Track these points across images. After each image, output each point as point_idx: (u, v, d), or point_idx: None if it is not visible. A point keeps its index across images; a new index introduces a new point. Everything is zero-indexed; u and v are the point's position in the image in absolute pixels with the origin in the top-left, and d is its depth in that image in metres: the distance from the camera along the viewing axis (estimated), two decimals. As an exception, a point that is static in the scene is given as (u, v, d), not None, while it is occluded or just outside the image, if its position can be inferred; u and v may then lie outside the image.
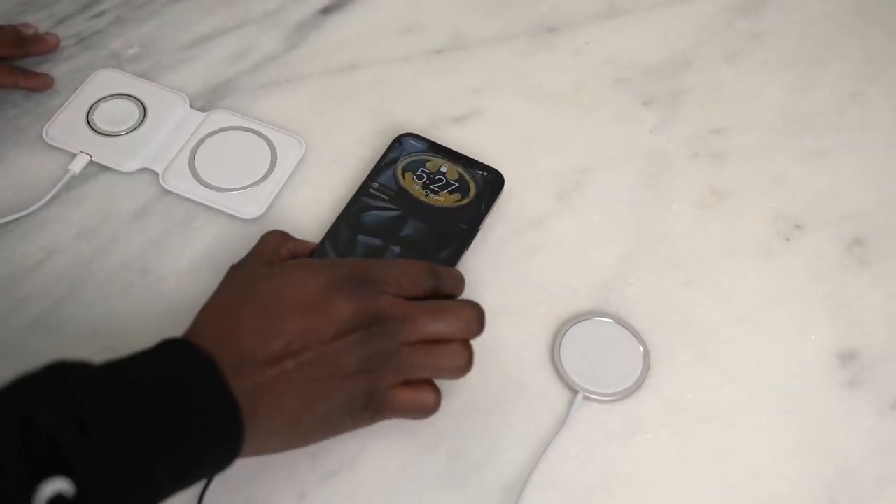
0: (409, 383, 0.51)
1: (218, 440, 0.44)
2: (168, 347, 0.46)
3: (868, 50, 0.77)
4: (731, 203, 0.67)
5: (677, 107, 0.72)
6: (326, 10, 0.76)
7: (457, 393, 0.57)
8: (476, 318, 0.52)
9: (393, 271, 0.51)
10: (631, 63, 0.75)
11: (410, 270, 0.52)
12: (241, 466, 0.52)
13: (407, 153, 0.65)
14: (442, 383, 0.54)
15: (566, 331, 0.59)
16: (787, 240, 0.65)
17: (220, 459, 0.45)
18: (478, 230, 0.62)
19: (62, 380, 0.41)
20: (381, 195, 0.63)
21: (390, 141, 0.66)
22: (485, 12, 0.77)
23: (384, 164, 0.65)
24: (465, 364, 0.51)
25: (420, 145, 0.66)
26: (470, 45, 0.75)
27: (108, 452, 0.39)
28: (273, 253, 0.55)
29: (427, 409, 0.52)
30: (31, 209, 0.63)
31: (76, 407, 0.40)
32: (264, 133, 0.67)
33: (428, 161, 0.65)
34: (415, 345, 0.50)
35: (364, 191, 0.63)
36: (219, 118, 0.68)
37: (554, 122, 0.70)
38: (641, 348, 0.59)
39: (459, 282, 0.55)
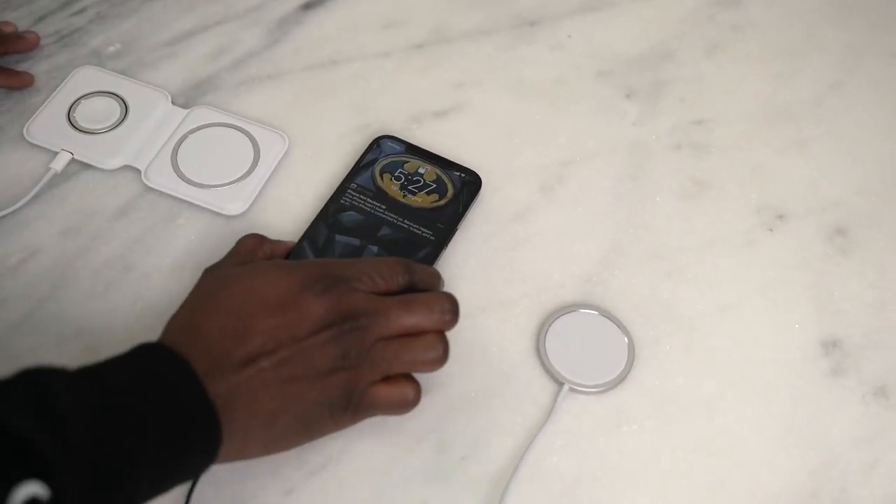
0: (388, 379, 0.51)
1: (195, 442, 0.44)
2: (143, 351, 0.45)
3: (847, 41, 0.77)
4: (713, 194, 0.67)
5: (659, 99, 0.72)
6: (307, 6, 0.76)
7: (442, 387, 0.57)
8: (449, 308, 0.52)
9: (366, 268, 0.51)
10: (613, 56, 0.75)
11: (384, 266, 0.52)
12: (229, 464, 0.53)
13: (385, 155, 0.65)
14: (426, 378, 0.54)
15: (551, 323, 0.59)
16: (770, 230, 0.65)
17: (199, 462, 0.45)
18: (455, 230, 0.62)
19: (35, 384, 0.40)
20: (359, 196, 0.63)
21: (372, 138, 0.66)
22: (466, 6, 0.77)
23: (362, 165, 0.65)
24: (440, 355, 0.51)
25: (398, 147, 0.66)
26: (451, 39, 0.75)
27: (82, 456, 0.39)
28: (249, 255, 0.55)
29: (407, 404, 0.52)
30: (12, 208, 0.63)
31: (50, 411, 0.39)
32: (247, 129, 0.67)
33: (406, 162, 0.65)
34: (389, 339, 0.50)
35: (342, 191, 0.63)
36: (201, 115, 0.68)
37: (536, 115, 0.71)
38: (626, 339, 0.59)
39: (435, 276, 0.55)
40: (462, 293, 0.60)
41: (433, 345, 0.51)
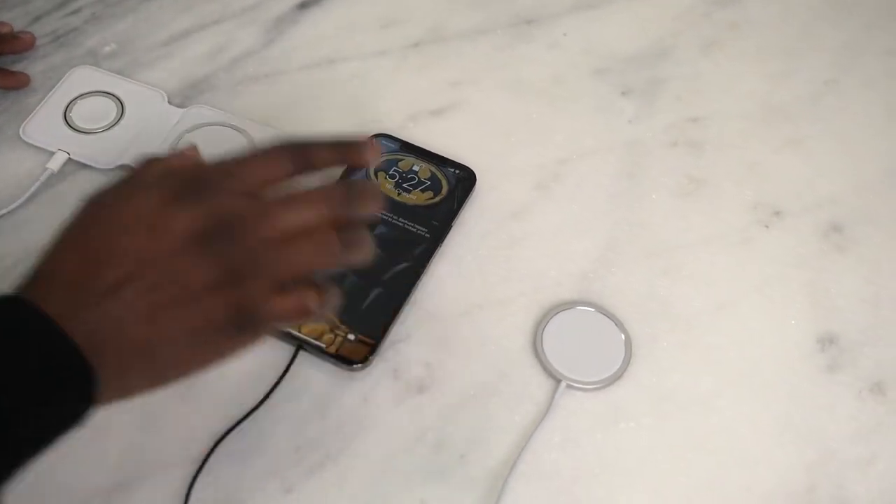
0: (284, 288, 0.44)
1: (65, 388, 0.39)
2: None
3: (843, 39, 0.77)
4: (709, 191, 0.67)
5: (656, 96, 0.72)
6: (304, 5, 0.76)
7: (440, 385, 0.57)
8: (341, 195, 0.45)
9: (241, 162, 0.45)
10: (609, 53, 0.75)
11: (262, 155, 0.45)
12: (226, 459, 0.53)
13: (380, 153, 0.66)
14: (424, 376, 0.55)
15: (548, 320, 0.59)
16: (766, 227, 0.65)
17: (76, 408, 0.40)
18: (450, 227, 0.62)
19: None
20: None
21: (368, 136, 0.66)
22: (462, 5, 0.77)
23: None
24: (333, 251, 0.44)
25: (393, 145, 0.66)
26: (448, 38, 0.75)
27: None
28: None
29: (308, 312, 0.45)
30: (9, 208, 0.63)
31: None
32: (243, 128, 0.67)
33: (400, 160, 0.65)
34: (273, 242, 0.43)
35: None
36: (197, 114, 0.68)
37: (533, 113, 0.71)
38: (623, 336, 0.59)
39: (342, 149, 0.48)
40: (459, 290, 0.60)
41: (324, 240, 0.44)
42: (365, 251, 0.45)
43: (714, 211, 0.66)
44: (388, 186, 0.64)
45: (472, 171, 0.65)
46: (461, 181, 0.65)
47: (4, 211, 0.62)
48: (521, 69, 0.73)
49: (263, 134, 0.67)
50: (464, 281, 0.61)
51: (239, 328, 0.43)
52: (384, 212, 0.62)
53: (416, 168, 0.65)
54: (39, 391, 0.38)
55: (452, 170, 0.65)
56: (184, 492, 0.52)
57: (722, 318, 0.61)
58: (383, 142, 0.66)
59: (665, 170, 0.68)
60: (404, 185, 0.64)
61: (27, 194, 0.63)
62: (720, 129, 0.71)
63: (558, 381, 0.57)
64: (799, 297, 0.62)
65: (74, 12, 0.74)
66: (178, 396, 0.56)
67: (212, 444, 0.54)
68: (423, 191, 0.64)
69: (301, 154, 0.46)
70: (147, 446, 0.54)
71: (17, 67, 0.70)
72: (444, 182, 0.64)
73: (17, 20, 0.73)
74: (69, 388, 0.39)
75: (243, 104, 0.69)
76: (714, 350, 0.59)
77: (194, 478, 0.52)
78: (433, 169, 0.65)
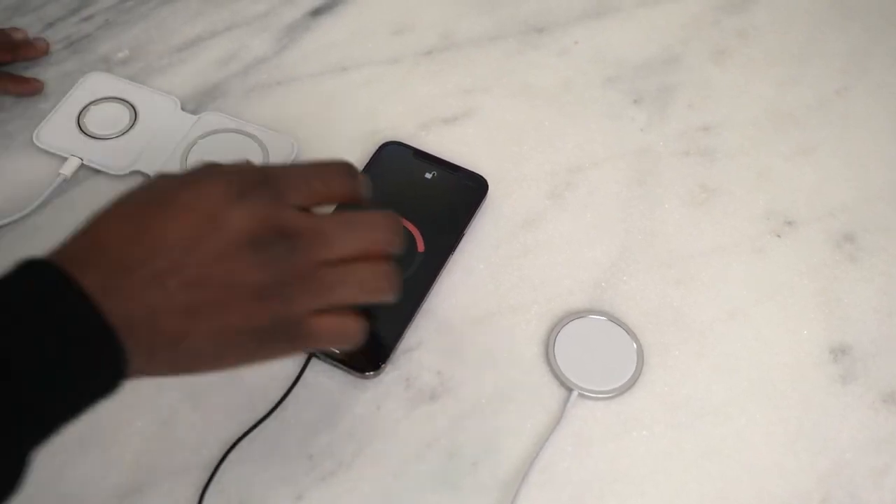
0: (330, 309, 0.44)
1: (94, 367, 0.38)
2: (21, 271, 0.39)
3: (852, 46, 0.77)
4: (721, 200, 0.67)
5: (666, 104, 0.72)
6: (316, 12, 0.76)
7: (452, 393, 0.57)
8: (393, 226, 0.45)
9: (300, 175, 0.44)
10: (620, 61, 0.75)
11: (322, 171, 0.45)
12: (238, 466, 0.53)
13: (391, 161, 0.65)
14: (437, 384, 0.55)
15: (560, 329, 0.59)
16: (778, 236, 0.65)
17: (101, 385, 0.39)
18: (462, 235, 0.62)
19: None
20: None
21: (380, 144, 0.67)
22: (474, 13, 0.77)
23: (369, 171, 0.65)
24: (391, 285, 0.45)
25: (404, 152, 0.66)
26: (460, 45, 0.75)
27: None
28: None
29: (349, 340, 0.45)
30: (22, 213, 0.63)
31: None
32: (256, 135, 0.67)
33: (412, 169, 0.65)
34: (331, 264, 0.43)
35: None
36: (210, 120, 0.68)
37: (545, 121, 0.71)
38: (635, 345, 0.59)
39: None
40: (471, 299, 0.60)
41: (384, 273, 0.45)
42: (399, 289, 0.46)
43: (726, 220, 0.66)
44: None
45: (484, 179, 0.65)
46: (473, 190, 0.65)
47: (18, 216, 0.63)
48: (532, 77, 0.73)
49: (276, 140, 0.67)
50: (476, 289, 0.61)
51: (277, 340, 0.43)
52: None
53: (427, 175, 0.65)
54: (65, 368, 0.37)
55: (464, 178, 0.65)
56: (196, 498, 0.52)
57: (734, 328, 0.61)
58: (395, 149, 0.66)
59: (677, 178, 0.68)
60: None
61: (40, 199, 0.63)
62: (731, 138, 0.71)
63: (570, 390, 0.57)
64: (811, 307, 0.62)
65: (88, 18, 0.75)
66: (190, 403, 0.56)
67: (224, 450, 0.54)
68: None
69: (354, 179, 0.46)
70: (159, 452, 0.54)
71: (31, 73, 0.70)
72: (456, 190, 0.64)
73: (30, 26, 0.73)
74: (97, 368, 0.38)
75: (256, 111, 0.70)
76: (726, 359, 0.59)
77: (206, 484, 0.52)
78: (445, 177, 0.65)
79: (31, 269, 0.38)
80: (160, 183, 0.43)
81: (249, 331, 0.42)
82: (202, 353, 0.42)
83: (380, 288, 0.45)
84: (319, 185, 0.44)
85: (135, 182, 0.64)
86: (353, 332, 0.45)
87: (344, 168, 0.46)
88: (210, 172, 0.43)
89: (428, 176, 0.65)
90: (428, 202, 0.64)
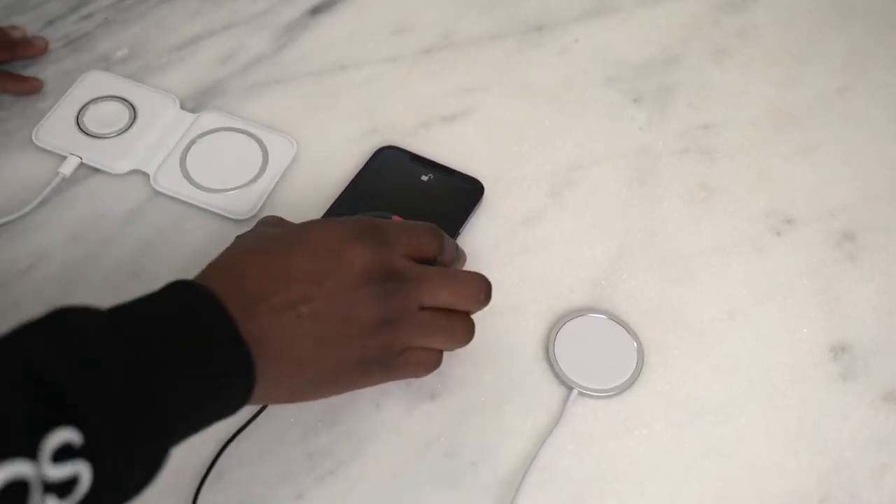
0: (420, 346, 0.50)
1: (229, 385, 0.43)
2: (175, 290, 0.43)
3: (852, 45, 0.77)
4: (721, 199, 0.67)
5: (666, 103, 0.72)
6: (315, 11, 0.76)
7: (452, 391, 0.57)
8: (485, 289, 0.51)
9: (405, 229, 0.50)
10: (620, 60, 0.75)
11: (420, 230, 0.51)
12: (237, 465, 0.53)
13: (388, 163, 0.65)
14: (436, 382, 0.54)
15: (560, 327, 0.59)
16: (779, 234, 0.65)
17: (232, 401, 0.44)
18: (457, 235, 0.62)
19: (66, 326, 0.39)
20: (364, 205, 0.63)
21: (380, 143, 0.67)
22: (474, 12, 0.77)
23: (365, 175, 0.65)
24: (471, 335, 0.51)
25: (401, 156, 0.66)
26: (459, 44, 0.75)
27: (115, 398, 0.37)
28: (275, 224, 0.53)
29: (431, 370, 0.51)
30: (21, 212, 0.63)
31: (83, 354, 0.37)
32: (255, 134, 0.67)
33: (408, 172, 0.65)
34: (432, 310, 0.49)
35: (344, 202, 0.63)
36: (209, 119, 0.68)
37: (545, 119, 0.71)
38: (635, 344, 0.59)
39: (459, 252, 0.55)
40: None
41: (468, 328, 0.51)
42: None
43: (726, 219, 0.66)
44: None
45: (479, 182, 0.65)
46: (468, 193, 0.64)
47: (17, 215, 0.62)
48: (532, 76, 0.73)
49: (275, 139, 0.67)
50: (476, 287, 0.61)
51: (377, 369, 0.48)
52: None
53: (423, 179, 0.65)
54: (206, 386, 0.42)
55: (460, 182, 0.65)
56: (191, 496, 0.52)
57: (734, 326, 0.61)
58: (391, 153, 0.66)
59: (677, 177, 0.68)
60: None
61: (39, 198, 0.63)
62: (731, 137, 0.71)
63: (570, 389, 0.57)
64: (811, 306, 0.62)
65: (87, 17, 0.75)
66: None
67: (219, 448, 0.54)
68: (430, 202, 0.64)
69: (441, 242, 0.52)
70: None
71: (30, 72, 0.70)
72: (451, 194, 0.64)
73: (29, 24, 0.73)
74: (232, 391, 0.43)
75: (255, 109, 0.69)
76: (726, 358, 0.59)
77: (201, 482, 0.52)
78: (441, 181, 0.65)
79: (183, 290, 0.43)
80: (290, 229, 0.50)
81: (362, 361, 0.47)
82: (322, 381, 0.47)
83: (462, 339, 0.51)
84: (416, 241, 0.50)
85: (135, 181, 0.65)
86: (435, 364, 0.51)
87: (433, 231, 0.51)
88: (324, 221, 0.50)
89: (424, 179, 0.65)
90: (424, 205, 0.64)
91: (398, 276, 0.47)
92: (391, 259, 0.48)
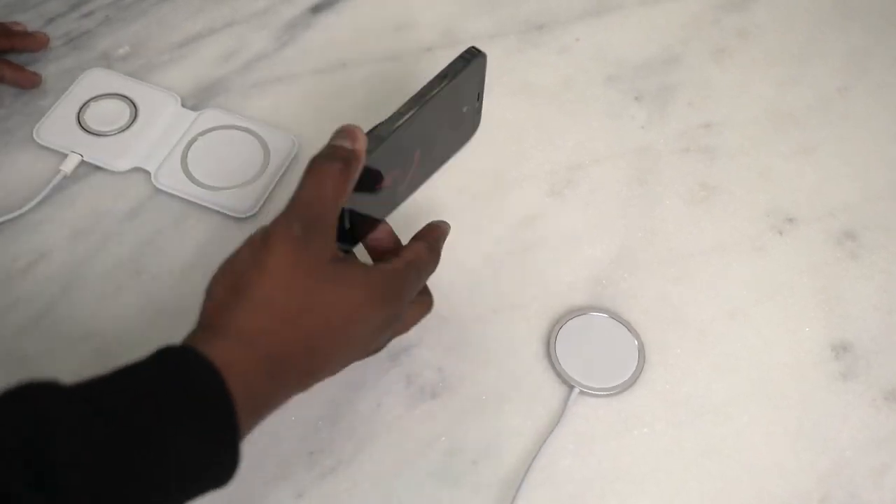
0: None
1: (216, 473, 0.42)
2: (167, 366, 0.41)
3: (852, 45, 0.77)
4: (722, 198, 0.67)
5: (667, 103, 0.72)
6: (316, 9, 0.76)
7: (453, 390, 0.57)
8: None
9: (420, 277, 0.52)
10: (620, 60, 0.75)
11: (424, 265, 0.52)
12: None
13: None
14: (436, 383, 0.54)
15: (561, 326, 0.59)
16: (780, 233, 0.65)
17: (214, 483, 0.42)
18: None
19: (26, 415, 0.36)
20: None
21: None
22: (475, 10, 0.77)
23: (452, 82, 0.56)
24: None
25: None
26: (460, 42, 0.75)
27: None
28: (324, 207, 0.47)
29: (425, 315, 0.55)
30: (22, 210, 0.63)
31: (47, 472, 0.35)
32: (256, 131, 0.67)
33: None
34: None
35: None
36: (211, 117, 0.68)
37: (545, 119, 0.71)
38: (636, 343, 0.59)
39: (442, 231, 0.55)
40: (472, 296, 0.60)
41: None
42: None
43: (727, 218, 0.66)
44: None
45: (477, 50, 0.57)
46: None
47: (18, 213, 0.62)
48: (532, 74, 0.73)
49: (276, 137, 0.67)
50: (477, 286, 0.61)
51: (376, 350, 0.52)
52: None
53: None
54: (192, 480, 0.41)
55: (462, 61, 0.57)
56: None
57: (735, 326, 0.61)
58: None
59: (677, 176, 0.68)
60: None
61: (40, 196, 0.63)
62: (732, 136, 0.71)
63: (571, 388, 0.57)
64: (812, 305, 0.62)
65: (88, 15, 0.74)
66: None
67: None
68: None
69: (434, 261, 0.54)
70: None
71: (31, 69, 0.70)
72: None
73: (31, 22, 0.73)
74: (220, 475, 0.42)
75: (256, 107, 0.69)
76: (727, 357, 0.59)
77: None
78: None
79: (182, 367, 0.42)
80: (340, 296, 0.48)
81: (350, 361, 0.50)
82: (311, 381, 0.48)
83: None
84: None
85: (136, 179, 0.65)
86: (428, 311, 0.55)
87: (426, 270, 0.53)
88: (374, 303, 0.49)
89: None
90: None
91: (392, 337, 0.53)
92: (396, 333, 0.53)
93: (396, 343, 0.58)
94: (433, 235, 0.53)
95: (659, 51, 0.76)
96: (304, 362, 0.45)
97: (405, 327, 0.53)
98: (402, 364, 0.58)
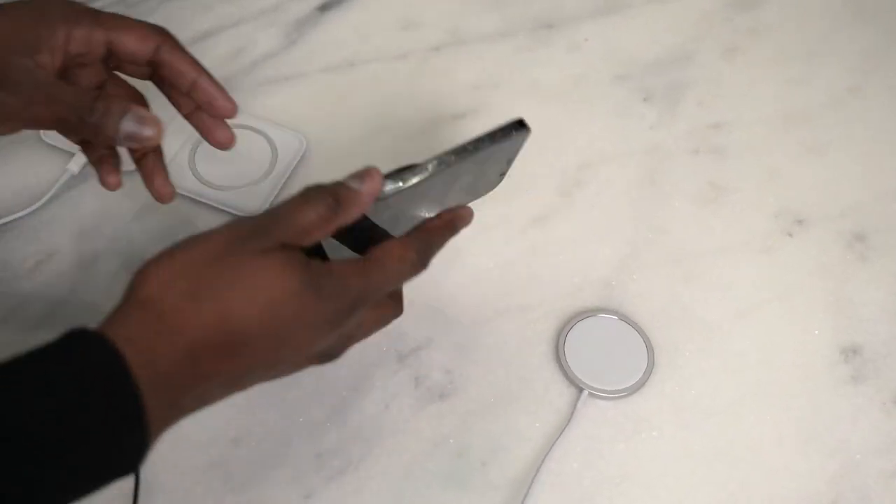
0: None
1: (116, 461, 0.38)
2: (70, 352, 0.38)
3: (864, 45, 0.77)
4: (731, 198, 0.67)
5: (676, 102, 0.72)
6: (324, 8, 0.76)
7: (461, 392, 0.57)
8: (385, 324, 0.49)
9: (384, 279, 0.45)
10: (630, 59, 0.74)
11: (399, 269, 0.46)
12: (247, 465, 0.53)
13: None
14: (445, 381, 0.54)
15: (570, 328, 0.59)
16: (789, 235, 0.65)
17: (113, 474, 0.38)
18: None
19: None
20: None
21: (388, 141, 0.65)
22: (483, 9, 0.77)
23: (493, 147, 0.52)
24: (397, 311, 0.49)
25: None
26: (469, 41, 0.75)
27: None
28: (301, 236, 0.43)
29: (387, 323, 0.49)
30: (29, 209, 0.62)
31: None
32: (264, 130, 0.67)
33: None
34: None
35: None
36: (218, 116, 0.67)
37: (554, 118, 0.70)
38: (646, 345, 0.59)
39: (451, 226, 0.50)
40: (481, 297, 0.60)
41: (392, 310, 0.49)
42: None
43: (736, 218, 0.66)
44: None
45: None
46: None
47: (25, 212, 0.62)
48: (541, 73, 0.73)
49: (284, 136, 0.67)
50: (485, 287, 0.61)
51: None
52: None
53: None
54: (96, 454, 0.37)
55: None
56: (209, 498, 0.52)
57: (745, 327, 0.60)
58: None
59: (687, 176, 0.68)
60: None
61: (47, 195, 0.63)
62: (741, 136, 0.70)
63: (580, 390, 0.56)
64: (822, 307, 0.62)
65: (95, 13, 0.74)
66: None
67: (231, 448, 0.53)
68: None
69: (425, 259, 0.48)
70: (165, 451, 0.54)
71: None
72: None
73: (37, 20, 0.73)
74: (122, 464, 0.38)
75: (263, 106, 0.69)
76: (737, 359, 0.59)
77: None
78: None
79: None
80: (290, 307, 0.43)
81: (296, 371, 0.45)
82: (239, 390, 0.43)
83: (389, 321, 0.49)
84: (395, 282, 0.47)
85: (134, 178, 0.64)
86: (391, 320, 0.49)
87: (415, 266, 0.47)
88: (326, 321, 0.43)
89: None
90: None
91: (348, 338, 0.46)
92: (352, 339, 0.46)
93: (404, 345, 0.58)
94: (430, 236, 0.48)
95: (668, 50, 0.75)
96: (226, 344, 0.39)
97: (364, 333, 0.47)
98: (411, 366, 0.57)
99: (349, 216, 0.44)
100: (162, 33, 0.54)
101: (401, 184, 0.47)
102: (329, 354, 0.46)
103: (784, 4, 0.79)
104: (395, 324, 0.58)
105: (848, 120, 0.72)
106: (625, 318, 0.60)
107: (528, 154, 0.68)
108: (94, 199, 0.64)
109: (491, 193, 0.65)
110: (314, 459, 0.54)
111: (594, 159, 0.68)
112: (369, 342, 0.57)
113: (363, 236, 0.48)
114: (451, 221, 0.50)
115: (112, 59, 0.53)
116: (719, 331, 0.60)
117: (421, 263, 0.46)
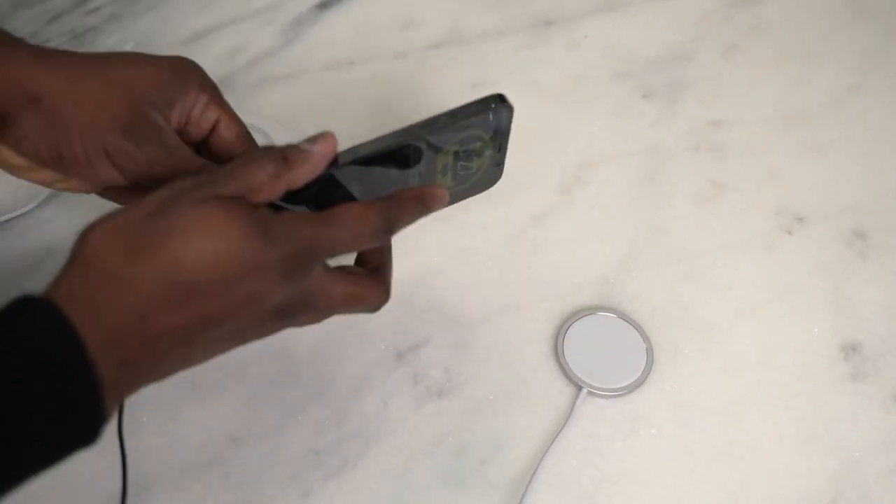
0: (346, 272, 0.45)
1: (71, 431, 0.36)
2: (17, 314, 0.36)
3: (865, 43, 0.77)
4: (731, 196, 0.66)
5: (676, 100, 0.72)
6: (323, 6, 0.76)
7: (460, 390, 0.56)
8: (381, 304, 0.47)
9: (340, 235, 0.43)
10: (630, 56, 0.74)
11: (358, 229, 0.44)
12: (245, 463, 0.53)
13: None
14: (444, 383, 0.54)
15: (569, 326, 0.59)
16: (789, 233, 0.65)
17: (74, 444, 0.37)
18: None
19: None
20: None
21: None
22: (482, 6, 0.77)
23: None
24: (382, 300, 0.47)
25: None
26: (468, 39, 0.75)
27: None
28: (247, 193, 0.41)
29: (370, 308, 0.47)
30: (29, 207, 0.62)
31: None
32: (263, 129, 0.67)
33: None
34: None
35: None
36: (217, 115, 0.67)
37: (554, 116, 0.70)
38: (645, 343, 0.58)
39: (422, 201, 0.47)
40: (480, 295, 0.60)
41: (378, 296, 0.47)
42: None
43: (736, 217, 0.65)
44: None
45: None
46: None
47: (24, 210, 0.62)
48: (541, 71, 0.73)
49: (282, 135, 0.67)
50: (484, 285, 0.61)
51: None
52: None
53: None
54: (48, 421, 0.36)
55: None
56: (207, 496, 0.52)
57: (744, 326, 0.60)
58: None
59: (687, 174, 0.67)
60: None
61: (47, 193, 0.63)
62: (742, 134, 0.70)
63: (579, 388, 0.56)
64: (822, 305, 0.61)
65: (93, 11, 0.74)
66: (198, 400, 0.55)
67: (230, 447, 0.53)
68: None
69: (390, 220, 0.45)
70: (164, 450, 0.54)
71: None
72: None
73: (36, 18, 0.73)
74: (72, 436, 0.37)
75: (262, 104, 0.69)
76: (736, 357, 0.59)
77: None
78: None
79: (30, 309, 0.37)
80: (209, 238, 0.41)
81: (254, 339, 0.43)
82: (200, 360, 0.42)
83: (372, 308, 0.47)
84: (352, 242, 0.44)
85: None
86: (374, 304, 0.47)
87: (377, 223, 0.44)
88: (260, 255, 0.41)
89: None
90: None
91: (305, 299, 0.43)
92: (306, 284, 0.43)
93: (403, 342, 0.58)
94: (398, 205, 0.46)
95: (669, 47, 0.75)
96: (171, 295, 0.38)
97: (331, 308, 0.45)
98: (409, 364, 0.57)
99: (298, 176, 0.43)
100: (239, 122, 0.54)
101: (357, 147, 0.46)
102: (291, 315, 0.43)
103: (784, 3, 0.79)
104: (394, 322, 0.58)
105: (848, 119, 0.72)
106: (624, 317, 0.59)
107: (528, 152, 0.68)
108: (93, 197, 0.64)
109: (490, 192, 0.65)
110: (312, 458, 0.54)
111: (594, 157, 0.68)
112: (368, 340, 0.57)
113: (333, 203, 0.45)
114: (422, 196, 0.48)
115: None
116: (719, 329, 0.60)
117: (384, 230, 0.44)
